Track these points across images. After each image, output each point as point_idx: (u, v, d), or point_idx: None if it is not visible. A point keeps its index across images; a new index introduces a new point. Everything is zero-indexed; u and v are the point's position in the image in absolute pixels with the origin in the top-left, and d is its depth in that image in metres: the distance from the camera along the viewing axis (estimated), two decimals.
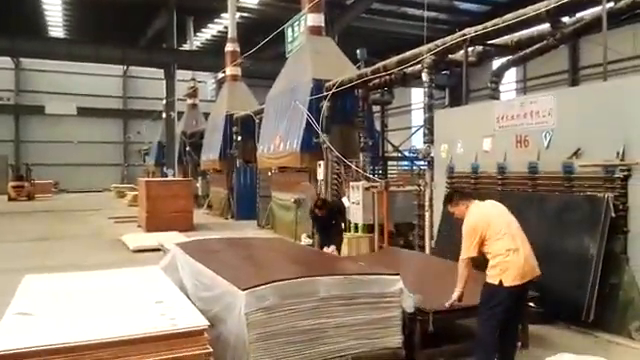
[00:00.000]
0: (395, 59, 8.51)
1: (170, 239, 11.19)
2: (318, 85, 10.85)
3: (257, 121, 15.38)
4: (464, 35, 6.97)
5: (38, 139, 37.01)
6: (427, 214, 7.63)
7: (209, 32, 27.80)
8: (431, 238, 7.60)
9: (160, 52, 22.89)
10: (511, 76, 20.82)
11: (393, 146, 13.63)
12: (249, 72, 19.26)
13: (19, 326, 3.12)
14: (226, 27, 26.74)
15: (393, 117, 26.05)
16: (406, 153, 15.18)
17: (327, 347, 3.59)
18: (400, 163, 13.37)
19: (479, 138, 6.62)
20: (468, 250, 3.84)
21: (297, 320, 3.48)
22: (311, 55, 11.35)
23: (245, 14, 22.98)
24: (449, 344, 4.30)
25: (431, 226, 7.58)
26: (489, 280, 3.74)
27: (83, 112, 35.38)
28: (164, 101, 31.74)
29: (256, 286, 3.44)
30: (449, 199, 4.30)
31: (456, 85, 20.59)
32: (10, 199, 26.14)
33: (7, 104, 36.04)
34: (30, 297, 3.86)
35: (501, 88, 8.22)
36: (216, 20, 25.86)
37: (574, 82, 14.07)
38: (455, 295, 4.00)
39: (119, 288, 4.21)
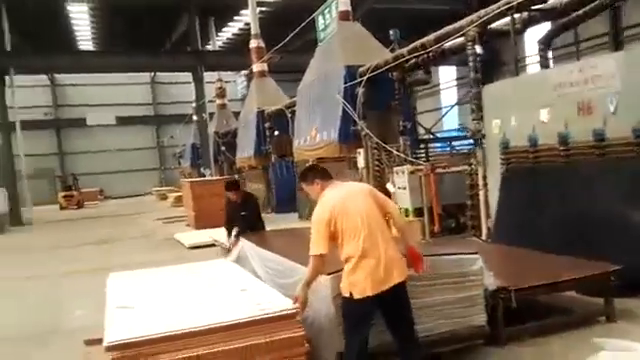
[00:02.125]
0: (433, 36, 8.20)
1: (221, 235, 11.32)
2: (351, 71, 10.61)
3: (289, 115, 15.31)
4: (509, 2, 6.61)
5: (79, 150, 38.34)
6: (481, 193, 7.35)
7: (230, 30, 27.76)
8: (487, 217, 7.32)
9: (186, 55, 22.99)
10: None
11: (425, 129, 13.28)
12: (275, 66, 19.07)
13: (125, 318, 3.30)
14: (247, 24, 26.72)
15: (421, 99, 25.57)
16: (439, 135, 14.79)
17: None
18: (435, 145, 12.99)
19: (535, 109, 6.27)
20: (317, 245, 3.15)
21: None
22: (341, 41, 11.10)
23: (264, 8, 22.75)
24: (532, 321, 4.19)
25: (486, 205, 7.30)
26: (342, 291, 3.18)
27: (118, 121, 36.25)
28: (193, 104, 32.23)
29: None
30: (303, 176, 3.60)
31: (486, 59, 19.98)
32: (62, 208, 27.46)
33: (48, 119, 37.37)
34: (123, 292, 4.09)
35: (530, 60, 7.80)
36: (236, 18, 25.78)
37: (618, 45, 13.35)
38: (297, 291, 3.30)
39: (202, 279, 4.42)
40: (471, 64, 7.27)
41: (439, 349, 3.65)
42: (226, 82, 27.45)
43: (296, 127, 13.45)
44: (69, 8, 22.67)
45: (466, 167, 8.18)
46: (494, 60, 15.27)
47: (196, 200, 13.34)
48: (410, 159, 9.94)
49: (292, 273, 4.09)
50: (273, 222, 13.83)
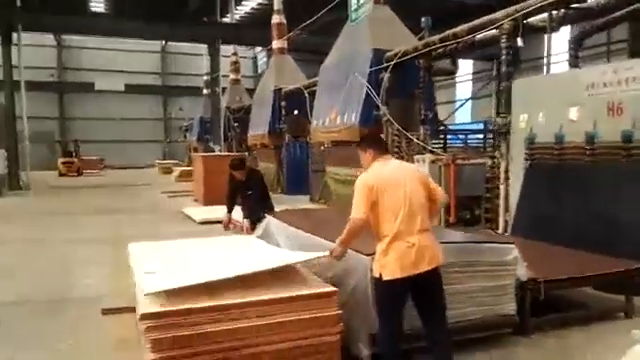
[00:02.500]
0: (467, 26, 8.23)
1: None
2: (378, 55, 10.63)
3: (307, 95, 15.33)
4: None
5: (81, 116, 38.01)
6: (502, 187, 7.45)
7: (249, 5, 27.55)
8: (506, 211, 7.44)
9: (205, 27, 22.87)
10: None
11: (438, 121, 13.29)
12: (294, 45, 18.97)
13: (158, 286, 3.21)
14: None
15: (436, 90, 25.49)
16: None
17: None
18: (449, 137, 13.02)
19: (564, 107, 6.35)
20: (357, 208, 3.11)
21: None
22: (370, 24, 11.08)
23: None
24: (557, 312, 4.32)
25: (506, 199, 7.41)
26: (373, 272, 3.19)
27: (126, 88, 35.95)
28: (204, 77, 32.17)
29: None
30: (361, 141, 3.57)
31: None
32: (61, 174, 27.14)
33: (51, 81, 36.77)
34: (151, 261, 4.04)
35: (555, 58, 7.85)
36: None
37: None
38: (335, 245, 3.33)
39: (229, 252, 4.38)
40: (503, 57, 7.32)
41: (468, 335, 3.72)
42: (241, 57, 27.36)
43: (315, 108, 13.48)
44: None
45: (486, 160, 8.29)
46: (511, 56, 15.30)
47: (208, 175, 13.23)
48: (430, 148, 10.05)
49: (321, 249, 4.14)
50: (283, 203, 13.95)
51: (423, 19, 10.03)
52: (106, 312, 4.64)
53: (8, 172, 18.49)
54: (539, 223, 6.41)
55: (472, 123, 24.96)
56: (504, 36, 7.27)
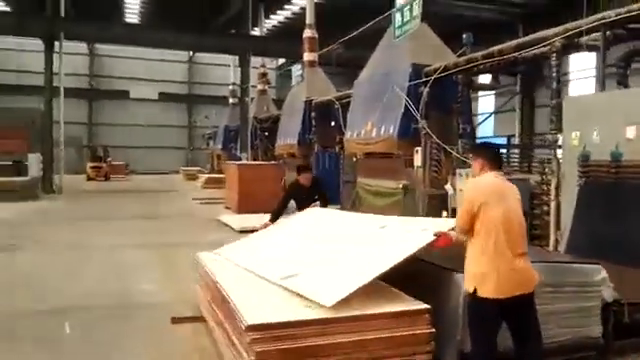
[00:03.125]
0: (514, 43, 8.25)
1: (264, 221, 11.55)
2: (417, 70, 10.70)
3: (338, 107, 15.47)
4: (603, 18, 6.67)
5: (107, 122, 38.80)
6: (553, 204, 7.43)
7: (276, 18, 27.93)
8: (557, 229, 7.41)
9: (236, 38, 23.25)
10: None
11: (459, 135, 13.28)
12: (323, 59, 19.17)
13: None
14: (294, 13, 27.00)
15: None
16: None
17: None
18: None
19: (621, 125, 6.34)
20: (461, 218, 3.21)
21: None
22: (409, 39, 11.16)
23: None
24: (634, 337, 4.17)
25: (557, 216, 7.38)
26: (467, 287, 3.15)
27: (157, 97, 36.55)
28: (230, 87, 32.60)
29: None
30: (476, 148, 3.68)
31: (528, 71, 19.80)
32: (89, 179, 27.68)
33: (82, 88, 37.67)
34: (257, 264, 4.19)
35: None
36: (285, 6, 25.94)
37: None
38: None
39: (333, 234, 4.52)
40: (554, 74, 7.33)
41: (554, 358, 3.63)
42: (268, 68, 27.67)
43: (350, 120, 13.56)
44: None
45: (527, 176, 8.29)
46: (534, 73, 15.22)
47: (242, 184, 13.41)
48: (470, 162, 10.05)
49: None
50: None
51: (465, 35, 10.09)
52: (177, 321, 4.71)
53: (43, 175, 18.92)
54: (596, 242, 6.35)
55: (494, 137, 24.90)
56: (554, 54, 7.28)
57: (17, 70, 34.49)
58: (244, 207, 13.10)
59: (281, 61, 37.08)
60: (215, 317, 4.04)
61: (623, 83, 7.94)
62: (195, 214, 14.02)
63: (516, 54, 8.24)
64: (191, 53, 39.03)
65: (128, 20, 29.54)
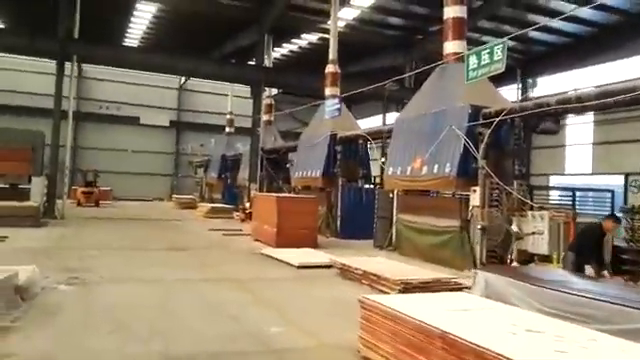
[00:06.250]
0: (596, 91, 8.58)
1: (315, 256, 11.35)
2: (476, 111, 10.95)
3: (371, 142, 15.70)
4: None
5: (92, 146, 37.57)
6: None
7: (279, 51, 28.14)
8: None
9: (251, 69, 23.28)
10: None
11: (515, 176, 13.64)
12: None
13: None
14: (300, 47, 27.35)
15: None
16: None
17: None
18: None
19: None
20: None
21: None
22: (461, 81, 11.44)
23: (326, 35, 23.19)
24: None
25: None
26: None
27: (136, 121, 35.68)
28: (228, 116, 32.40)
29: None
30: None
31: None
32: (79, 204, 26.48)
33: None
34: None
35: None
36: (292, 40, 26.26)
37: None
38: None
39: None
40: None
41: None
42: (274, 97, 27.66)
43: (390, 156, 13.66)
44: (138, 6, 22.78)
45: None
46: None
47: (282, 216, 13.14)
48: (530, 203, 10.27)
49: (620, 319, 4.04)
50: (351, 248, 13.92)
51: (530, 80, 10.46)
52: None
53: (47, 200, 18.00)
54: None
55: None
56: None
57: (26, 92, 33.33)
58: (282, 241, 12.80)
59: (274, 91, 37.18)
60: None
61: None
62: (228, 246, 13.59)
63: (597, 102, 8.54)
64: (182, 80, 38.60)
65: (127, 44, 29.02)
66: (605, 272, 7.28)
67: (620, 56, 20.20)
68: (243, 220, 20.32)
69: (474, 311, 4.63)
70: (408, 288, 7.79)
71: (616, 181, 19.51)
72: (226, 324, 6.11)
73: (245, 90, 26.84)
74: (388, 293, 7.67)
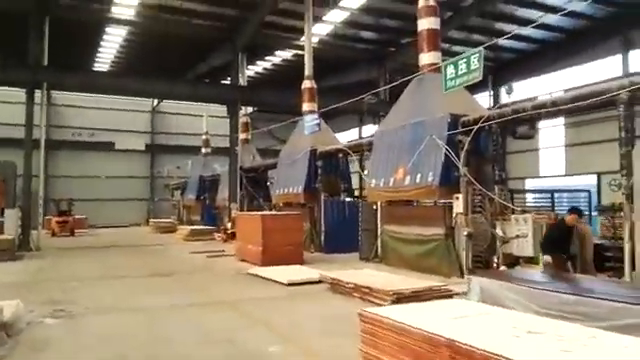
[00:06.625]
0: (570, 95, 8.84)
1: (303, 272, 11.27)
2: (455, 120, 11.14)
3: (353, 156, 15.82)
4: None
5: (62, 174, 36.70)
6: (627, 245, 7.81)
7: (254, 68, 28.20)
8: (632, 269, 7.76)
9: (226, 88, 23.27)
10: None
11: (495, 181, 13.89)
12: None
13: None
14: (274, 64, 27.47)
15: None
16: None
17: None
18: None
19: None
20: None
21: None
22: (439, 91, 11.64)
23: (300, 52, 23.37)
24: None
25: (632, 258, 7.74)
26: None
27: (110, 146, 35.01)
28: (203, 136, 32.16)
29: None
30: None
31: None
32: (53, 234, 25.74)
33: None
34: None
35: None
36: (266, 58, 26.37)
37: None
38: None
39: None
40: (622, 124, 7.88)
41: None
42: (250, 115, 27.55)
43: (372, 169, 13.75)
44: (108, 30, 22.58)
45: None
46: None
47: (266, 235, 13.04)
48: (512, 207, 10.46)
49: (616, 315, 4.15)
50: (336, 262, 13.88)
51: (507, 86, 10.71)
52: None
53: (22, 233, 17.47)
54: None
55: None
56: (622, 105, 7.86)
57: None
58: (268, 259, 12.67)
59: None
60: None
61: None
62: (213, 268, 13.37)
63: (571, 105, 8.79)
64: (155, 102, 38.22)
65: (97, 68, 28.66)
66: (569, 264, 8.01)
67: (586, 60, 20.93)
68: (225, 241, 20.08)
69: (474, 317, 4.66)
70: (400, 298, 7.80)
71: (589, 181, 20.02)
72: (223, 347, 5.98)
73: (220, 110, 26.88)
74: (381, 305, 7.63)
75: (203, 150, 31.74)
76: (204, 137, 31.76)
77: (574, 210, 8.58)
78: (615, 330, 4.04)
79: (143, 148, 35.66)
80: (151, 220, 31.99)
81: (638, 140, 8.25)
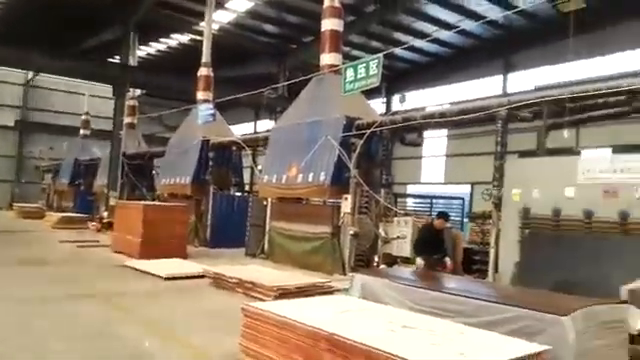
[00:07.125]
0: (457, 108, 9.44)
1: (185, 266, 10.81)
2: (349, 122, 11.38)
3: (247, 149, 15.52)
4: (543, 97, 8.14)
5: None
6: (492, 250, 8.51)
7: (146, 49, 26.62)
8: (495, 271, 8.47)
9: (114, 67, 21.46)
10: None
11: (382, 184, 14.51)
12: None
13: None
14: (170, 47, 26.14)
15: None
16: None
17: None
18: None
19: (560, 186, 7.69)
20: None
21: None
22: (337, 93, 11.83)
23: (198, 37, 22.49)
24: None
25: (495, 260, 8.45)
26: None
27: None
28: (83, 117, 29.58)
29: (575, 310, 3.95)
30: None
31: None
32: None
33: None
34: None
35: None
36: (161, 39, 25.03)
37: None
38: None
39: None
40: (498, 139, 8.59)
41: None
42: (138, 99, 25.86)
43: (265, 164, 13.57)
44: None
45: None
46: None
47: (147, 226, 12.21)
48: (395, 210, 10.96)
49: (481, 312, 4.44)
50: (224, 257, 13.47)
51: (400, 96, 11.17)
52: None
53: None
54: (539, 279, 7.35)
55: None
56: (500, 121, 8.57)
57: None
58: (148, 252, 11.88)
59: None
60: None
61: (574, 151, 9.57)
62: (86, 259, 12.29)
63: (457, 118, 9.39)
64: (30, 75, 34.37)
65: None
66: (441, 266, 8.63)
67: (471, 76, 22.68)
68: (99, 230, 18.59)
69: (354, 312, 4.75)
70: (284, 294, 7.75)
71: (464, 190, 21.74)
72: (97, 343, 5.45)
73: (105, 89, 24.91)
74: (264, 300, 7.51)
75: (82, 132, 29.19)
76: (84, 117, 29.22)
77: (441, 215, 9.24)
78: (482, 326, 4.33)
79: (12, 124, 31.94)
80: (14, 204, 28.66)
81: (509, 155, 9.02)
